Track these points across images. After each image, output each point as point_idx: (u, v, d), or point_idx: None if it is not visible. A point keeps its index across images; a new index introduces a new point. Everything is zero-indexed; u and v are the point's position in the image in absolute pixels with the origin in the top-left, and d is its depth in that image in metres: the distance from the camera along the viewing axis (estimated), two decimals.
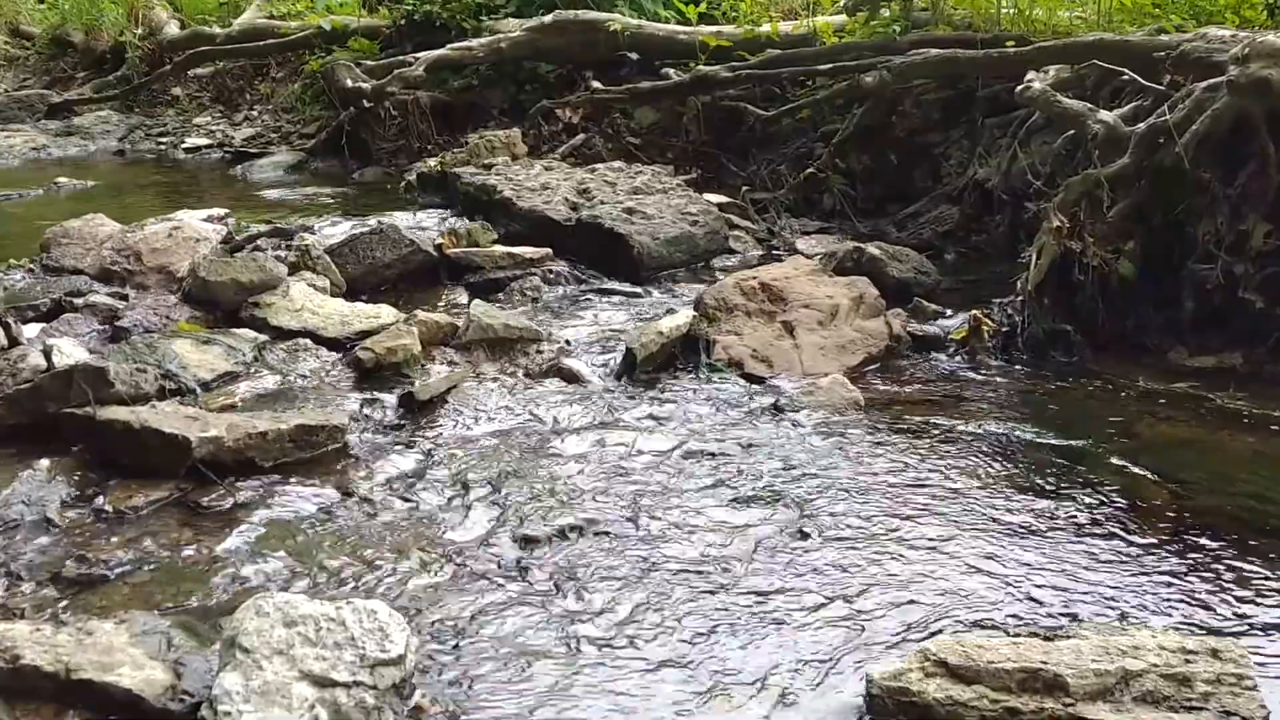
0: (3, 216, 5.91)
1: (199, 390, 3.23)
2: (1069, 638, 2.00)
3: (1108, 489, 2.78)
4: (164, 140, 8.40)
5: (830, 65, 5.78)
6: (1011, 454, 3.00)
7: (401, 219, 4.86)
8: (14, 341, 3.25)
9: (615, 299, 4.34)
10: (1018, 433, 3.13)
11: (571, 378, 3.50)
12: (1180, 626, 2.18)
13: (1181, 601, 2.29)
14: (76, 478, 2.71)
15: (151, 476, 2.72)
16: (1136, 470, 2.89)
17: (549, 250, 4.60)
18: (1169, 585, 2.35)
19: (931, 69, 5.36)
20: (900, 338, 3.80)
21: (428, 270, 4.50)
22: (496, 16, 7.73)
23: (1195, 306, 3.68)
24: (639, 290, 4.42)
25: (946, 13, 6.01)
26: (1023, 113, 4.84)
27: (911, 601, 2.29)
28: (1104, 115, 3.95)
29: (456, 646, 2.14)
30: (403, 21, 7.88)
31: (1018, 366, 3.66)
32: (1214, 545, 2.51)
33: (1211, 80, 3.69)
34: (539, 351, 3.68)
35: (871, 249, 4.44)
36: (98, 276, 4.05)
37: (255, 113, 8.70)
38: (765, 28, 6.49)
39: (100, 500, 2.64)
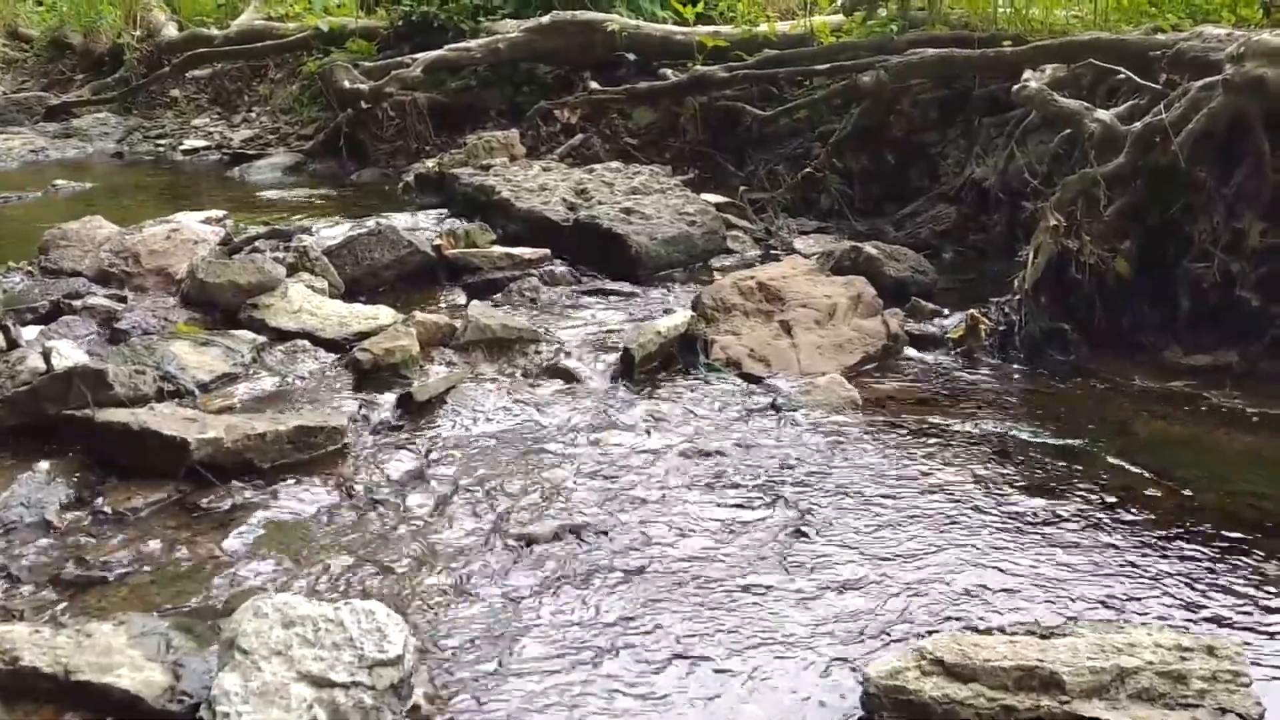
0: (1, 219, 5.92)
1: (197, 392, 3.23)
2: (1065, 636, 2.01)
3: (1104, 487, 2.79)
4: (162, 142, 8.39)
5: (827, 65, 5.79)
6: (1008, 452, 3.01)
7: (400, 220, 4.86)
8: (13, 344, 3.25)
9: (613, 299, 4.34)
10: (1014, 431, 3.14)
11: (569, 378, 3.51)
12: (1176, 624, 2.18)
13: (1178, 599, 2.30)
14: (75, 479, 2.72)
15: (150, 478, 2.73)
16: (1133, 468, 2.90)
17: (547, 251, 4.61)
18: (1165, 583, 2.36)
19: (928, 69, 5.36)
20: (898, 337, 3.81)
21: (426, 271, 4.50)
22: (494, 17, 7.74)
23: (1191, 305, 3.68)
24: (637, 290, 4.42)
25: (943, 12, 6.02)
26: (1019, 112, 4.84)
27: (908, 600, 2.29)
28: (1100, 114, 3.95)
29: (455, 647, 2.14)
30: (400, 23, 7.88)
31: (1014, 365, 3.67)
32: (1210, 543, 2.52)
33: (1207, 79, 3.69)
34: (537, 352, 3.69)
35: (869, 248, 4.45)
36: (96, 279, 4.05)
37: (253, 114, 8.70)
38: (762, 28, 6.50)
39: (99, 502, 2.64)
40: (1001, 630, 2.12)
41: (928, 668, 1.93)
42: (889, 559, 2.46)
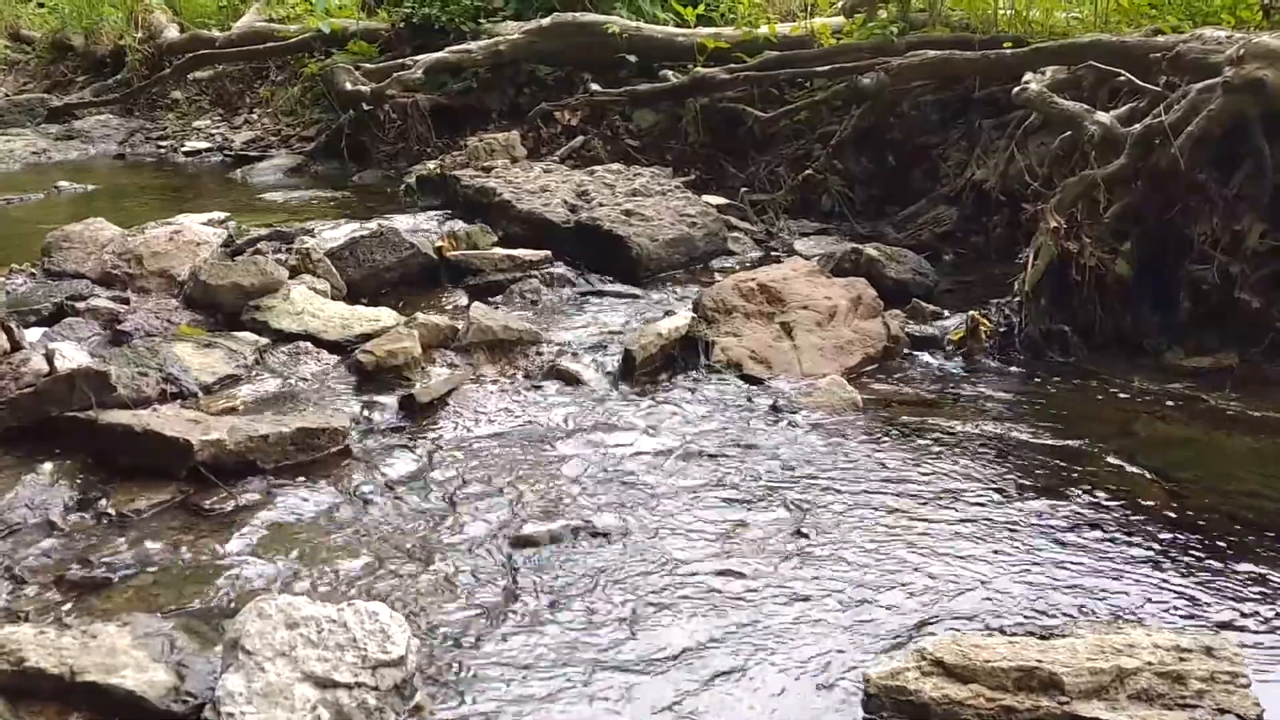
0: (4, 220, 5.93)
1: (200, 393, 3.24)
2: (1065, 636, 2.02)
3: (1104, 488, 2.80)
4: (164, 144, 8.41)
5: (828, 67, 5.80)
6: (1008, 454, 3.02)
7: (401, 222, 4.87)
8: (16, 346, 3.25)
9: (614, 301, 4.35)
10: (1015, 433, 3.15)
11: (571, 379, 3.52)
12: (1175, 625, 2.19)
13: (1177, 600, 2.31)
14: (79, 481, 2.73)
15: (153, 479, 2.74)
16: (1133, 470, 2.90)
17: (548, 253, 4.61)
18: (1165, 584, 2.37)
19: (929, 70, 5.37)
20: (898, 338, 3.82)
21: (428, 273, 4.51)
22: (495, 19, 7.75)
23: (1192, 306, 3.70)
24: (638, 292, 4.43)
25: (944, 14, 6.03)
26: (1020, 114, 4.86)
27: (908, 601, 2.30)
28: (1100, 116, 3.96)
29: (457, 647, 2.15)
30: (401, 24, 7.89)
31: (1015, 367, 3.68)
32: (1209, 544, 2.52)
33: (1207, 81, 3.70)
34: (539, 353, 3.70)
35: (869, 250, 4.46)
36: (99, 280, 4.05)
37: (255, 116, 8.71)
38: (763, 29, 6.51)
39: (103, 503, 2.65)
40: (1001, 631, 2.13)
41: (928, 668, 1.94)
42: (889, 560, 2.46)
